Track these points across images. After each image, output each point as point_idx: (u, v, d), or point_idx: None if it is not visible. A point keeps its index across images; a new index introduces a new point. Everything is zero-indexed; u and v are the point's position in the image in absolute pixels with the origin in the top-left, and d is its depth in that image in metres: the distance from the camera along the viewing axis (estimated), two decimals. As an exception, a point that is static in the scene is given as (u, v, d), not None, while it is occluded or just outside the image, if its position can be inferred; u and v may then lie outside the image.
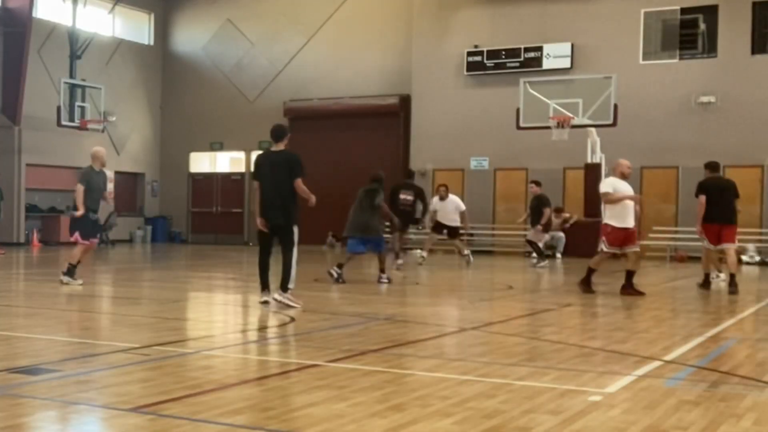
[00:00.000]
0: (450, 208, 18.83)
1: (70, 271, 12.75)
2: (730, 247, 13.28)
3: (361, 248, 14.43)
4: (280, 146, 10.34)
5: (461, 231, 19.67)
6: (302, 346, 7.55)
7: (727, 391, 5.65)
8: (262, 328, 9.23)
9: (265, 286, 10.36)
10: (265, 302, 10.26)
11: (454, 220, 18.81)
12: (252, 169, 10.98)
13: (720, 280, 14.22)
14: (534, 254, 20.13)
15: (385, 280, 14.11)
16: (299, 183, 10.06)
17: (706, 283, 13.75)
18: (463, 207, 19.02)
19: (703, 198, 13.35)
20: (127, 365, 6.34)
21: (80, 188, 12.62)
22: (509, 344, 7.78)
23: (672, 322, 9.89)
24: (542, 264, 19.38)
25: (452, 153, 27.04)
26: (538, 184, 20.35)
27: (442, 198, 18.91)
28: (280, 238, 10.23)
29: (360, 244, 14.37)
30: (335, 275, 14.07)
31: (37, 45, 27.54)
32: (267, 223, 10.17)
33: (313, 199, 10.12)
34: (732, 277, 13.02)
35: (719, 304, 12.40)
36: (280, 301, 10.07)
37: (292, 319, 9.14)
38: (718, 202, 13.30)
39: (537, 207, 19.94)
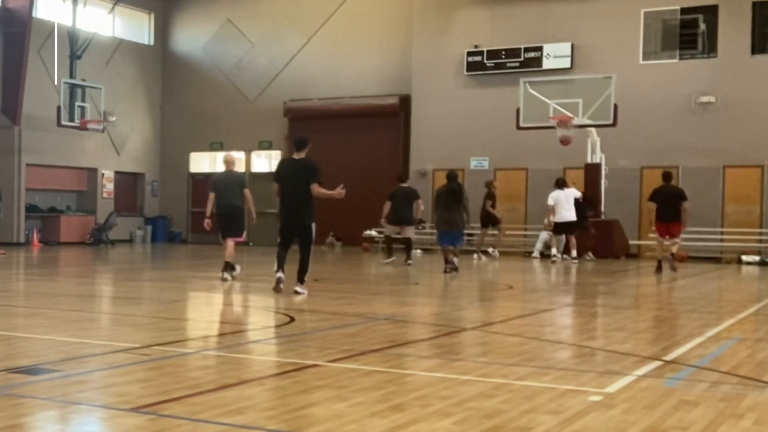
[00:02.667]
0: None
1: (228, 267, 13.91)
2: (676, 241, 17.13)
3: (449, 240, 16.29)
4: (302, 154, 11.57)
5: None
6: (302, 346, 7.55)
7: (727, 391, 5.65)
8: (262, 328, 9.23)
9: (280, 268, 11.53)
10: (279, 280, 11.51)
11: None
12: (266, 171, 12.46)
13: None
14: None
15: (449, 270, 16.15)
16: (315, 187, 11.26)
17: (659, 269, 17.29)
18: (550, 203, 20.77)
19: (652, 204, 17.06)
20: (127, 365, 6.34)
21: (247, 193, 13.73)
22: (509, 344, 7.78)
23: (672, 322, 9.89)
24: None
25: (452, 153, 27.04)
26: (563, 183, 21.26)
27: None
28: (300, 236, 11.40)
29: (448, 237, 16.25)
30: (448, 269, 16.13)
31: (37, 45, 27.54)
32: (289, 224, 11.47)
33: (335, 194, 11.35)
34: (672, 257, 17.08)
35: (719, 304, 12.40)
36: (299, 291, 11.32)
37: (292, 319, 9.14)
38: (667, 206, 16.79)
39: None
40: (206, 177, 32.11)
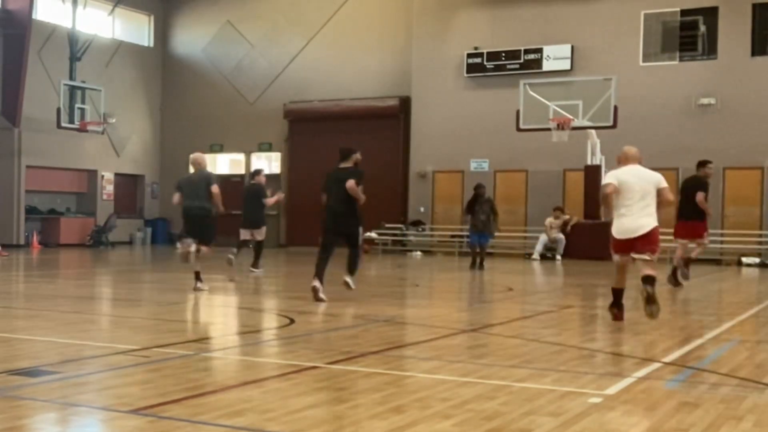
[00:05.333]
0: None
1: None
2: (702, 242, 15.30)
3: (477, 240, 19.18)
4: (348, 164, 12.02)
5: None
6: (302, 348, 7.54)
7: (727, 393, 5.65)
8: (262, 330, 9.23)
9: (317, 277, 11.42)
10: (316, 289, 11.29)
11: None
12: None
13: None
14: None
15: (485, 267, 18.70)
16: (351, 183, 11.56)
17: (673, 277, 14.89)
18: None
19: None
20: (127, 367, 6.34)
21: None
22: (509, 346, 7.77)
23: (672, 324, 9.88)
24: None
25: (452, 155, 27.04)
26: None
27: None
28: (348, 239, 11.89)
29: (478, 238, 19.11)
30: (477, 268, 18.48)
31: (37, 47, 27.54)
32: (334, 230, 11.85)
33: (362, 198, 11.72)
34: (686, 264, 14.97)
35: (719, 306, 12.41)
36: (348, 283, 11.71)
37: (292, 321, 9.14)
38: (687, 200, 15.16)
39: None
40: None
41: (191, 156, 13.65)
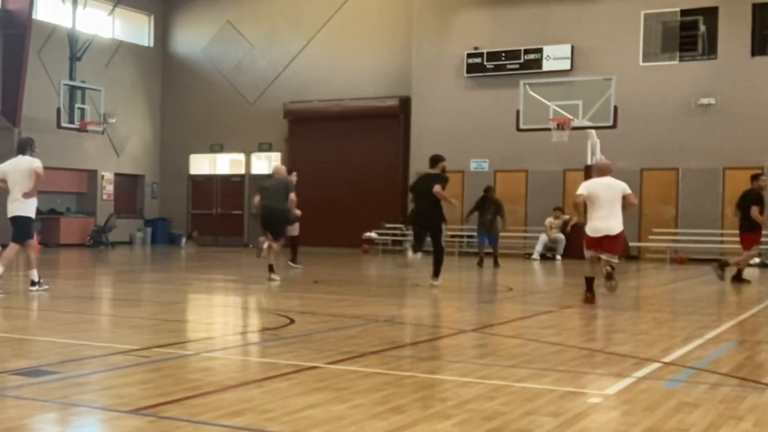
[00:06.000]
0: None
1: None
2: (749, 254, 15.82)
3: (484, 240, 19.93)
4: (435, 170, 13.76)
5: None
6: (302, 348, 7.54)
7: (727, 393, 5.65)
8: (262, 330, 9.23)
9: (418, 248, 14.03)
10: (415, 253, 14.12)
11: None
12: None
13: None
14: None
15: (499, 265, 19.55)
16: (437, 188, 13.30)
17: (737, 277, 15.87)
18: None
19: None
20: (127, 367, 6.34)
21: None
22: (509, 346, 7.78)
23: (671, 324, 9.89)
24: None
25: (452, 155, 26.81)
26: None
27: None
28: (432, 236, 13.63)
29: (485, 238, 19.89)
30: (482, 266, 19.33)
31: (37, 47, 27.54)
32: (420, 226, 13.81)
33: (453, 201, 13.83)
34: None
35: (719, 306, 12.40)
36: (433, 284, 13.47)
37: (292, 321, 9.15)
38: (741, 211, 15.51)
39: None
40: (206, 179, 32.24)
41: (274, 166, 16.62)
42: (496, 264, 19.67)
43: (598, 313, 10.94)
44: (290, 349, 7.53)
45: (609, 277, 11.20)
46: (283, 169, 15.83)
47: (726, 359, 7.13)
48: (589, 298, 11.27)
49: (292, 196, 14.83)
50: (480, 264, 19.75)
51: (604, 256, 11.17)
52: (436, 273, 13.65)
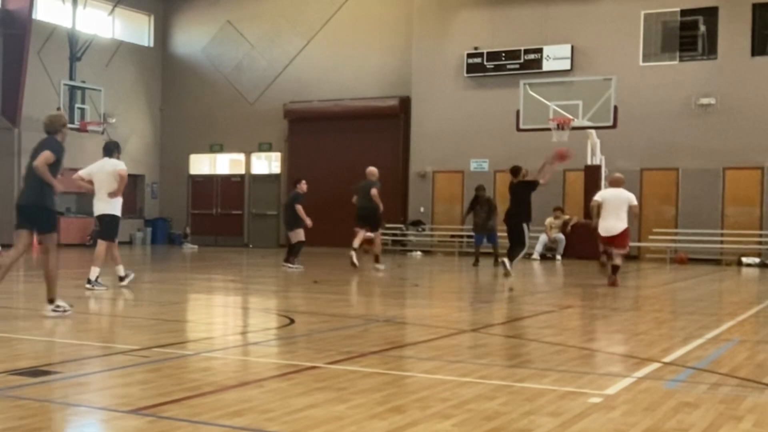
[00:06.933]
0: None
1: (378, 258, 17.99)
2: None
3: (481, 240, 20.46)
4: (520, 178, 16.22)
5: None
6: (302, 347, 7.54)
7: (727, 393, 5.65)
8: (262, 330, 9.23)
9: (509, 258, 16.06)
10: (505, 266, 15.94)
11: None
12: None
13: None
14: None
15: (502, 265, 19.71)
16: (374, 191, 16.92)
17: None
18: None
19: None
20: (127, 367, 6.34)
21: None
22: (509, 346, 7.78)
23: (671, 324, 9.88)
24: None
25: (452, 155, 27.04)
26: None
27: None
28: (514, 236, 16.11)
29: (481, 237, 20.42)
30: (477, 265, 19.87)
31: (37, 47, 27.54)
32: (510, 223, 16.15)
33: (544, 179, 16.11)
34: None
35: (719, 306, 12.40)
36: (506, 263, 15.86)
37: (292, 321, 9.15)
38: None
39: None
40: (206, 179, 32.24)
41: (367, 169, 18.30)
42: (496, 263, 19.53)
43: (598, 313, 10.94)
44: (290, 349, 7.53)
45: (614, 269, 14.30)
46: (375, 171, 18.03)
47: (726, 359, 7.12)
48: (612, 279, 14.30)
49: (373, 192, 17.38)
50: (476, 264, 19.95)
51: (614, 250, 14.35)
52: (511, 257, 16.06)
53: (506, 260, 15.94)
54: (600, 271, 15.70)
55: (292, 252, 18.27)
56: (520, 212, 15.83)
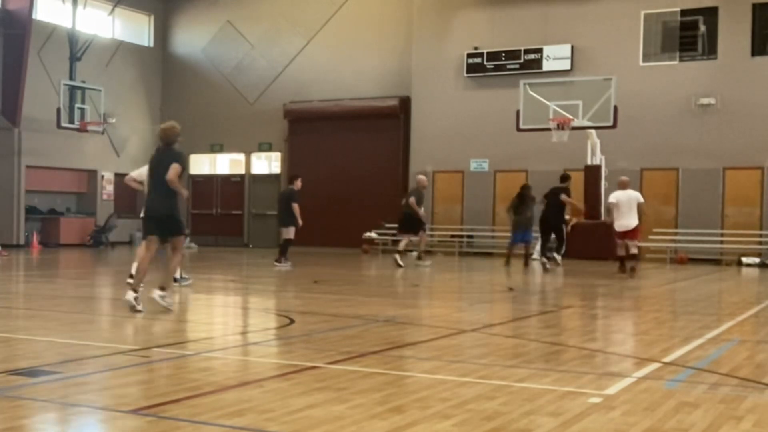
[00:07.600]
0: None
1: (421, 258, 19.52)
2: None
3: (522, 238, 20.25)
4: (564, 185, 19.57)
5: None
6: (302, 348, 7.55)
7: (727, 393, 5.66)
8: (262, 330, 9.23)
9: (542, 253, 19.24)
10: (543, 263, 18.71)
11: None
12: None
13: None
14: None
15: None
16: (563, 196, 19.25)
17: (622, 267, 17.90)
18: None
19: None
20: (127, 367, 6.34)
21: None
22: (509, 346, 7.78)
23: (671, 324, 9.89)
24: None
25: (452, 155, 27.03)
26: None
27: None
28: (556, 234, 19.50)
29: (522, 236, 20.18)
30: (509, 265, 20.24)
31: (37, 47, 27.53)
32: (546, 223, 19.48)
33: (579, 206, 20.54)
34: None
35: (719, 306, 12.40)
36: (552, 259, 19.03)
37: (292, 321, 9.15)
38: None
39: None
40: (206, 179, 32.23)
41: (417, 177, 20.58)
42: (526, 264, 19.54)
43: (598, 313, 10.95)
44: (290, 349, 7.53)
45: (632, 257, 17.04)
46: (418, 179, 20.02)
47: (726, 359, 7.13)
48: (622, 268, 17.12)
49: (411, 200, 19.05)
50: (507, 264, 19.64)
51: (628, 242, 17.01)
52: (558, 249, 19.34)
53: (555, 255, 19.13)
54: (618, 268, 17.42)
55: (282, 251, 18.51)
56: (561, 214, 19.15)
